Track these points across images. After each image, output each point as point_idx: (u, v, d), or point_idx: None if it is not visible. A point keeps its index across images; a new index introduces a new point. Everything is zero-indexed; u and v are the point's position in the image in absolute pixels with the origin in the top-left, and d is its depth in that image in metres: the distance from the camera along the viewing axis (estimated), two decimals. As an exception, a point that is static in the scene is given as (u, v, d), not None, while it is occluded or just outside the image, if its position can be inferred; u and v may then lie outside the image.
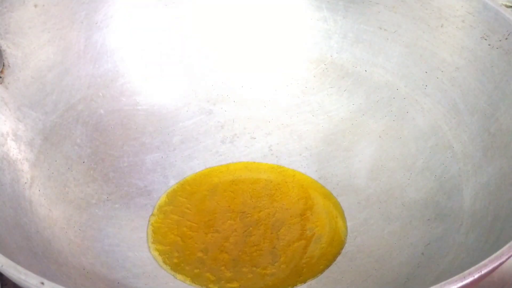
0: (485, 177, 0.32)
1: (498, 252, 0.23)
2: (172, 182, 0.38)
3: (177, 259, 0.34)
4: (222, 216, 0.36)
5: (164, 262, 0.34)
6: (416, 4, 0.38)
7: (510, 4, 0.43)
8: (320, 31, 0.42)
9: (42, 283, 0.22)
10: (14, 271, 0.23)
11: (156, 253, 0.34)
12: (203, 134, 0.41)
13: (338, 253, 0.34)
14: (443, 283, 0.22)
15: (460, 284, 0.22)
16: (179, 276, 0.33)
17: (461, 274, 0.22)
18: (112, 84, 0.39)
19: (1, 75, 0.33)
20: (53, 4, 0.36)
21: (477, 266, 0.23)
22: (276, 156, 0.40)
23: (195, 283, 0.33)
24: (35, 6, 0.35)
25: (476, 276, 0.22)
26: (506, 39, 0.34)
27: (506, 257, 0.23)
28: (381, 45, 0.40)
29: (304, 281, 0.33)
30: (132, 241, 0.34)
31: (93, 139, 0.37)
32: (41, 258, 0.29)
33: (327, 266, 0.33)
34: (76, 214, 0.34)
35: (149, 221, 0.36)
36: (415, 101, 0.39)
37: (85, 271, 0.31)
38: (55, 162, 0.35)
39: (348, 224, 0.35)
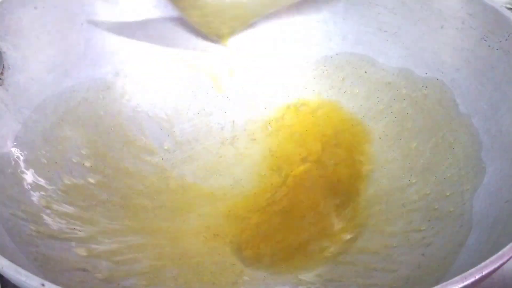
0: (486, 178, 0.32)
1: (499, 253, 0.23)
2: (172, 184, 0.38)
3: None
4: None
5: None
6: (415, 5, 0.39)
7: (511, 6, 0.43)
8: (320, 33, 0.42)
9: (43, 285, 0.22)
10: (14, 273, 0.23)
11: None
12: (203, 136, 0.41)
13: None
14: (444, 284, 0.22)
15: (461, 285, 0.22)
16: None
17: (462, 275, 0.22)
18: (112, 86, 0.39)
19: (1, 77, 0.33)
20: (53, 6, 0.36)
21: (478, 267, 0.23)
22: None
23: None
24: (35, 8, 0.35)
25: (477, 276, 0.22)
26: (506, 40, 0.34)
27: (507, 257, 0.23)
28: (381, 47, 0.40)
29: None
30: (132, 243, 0.34)
31: (93, 141, 0.37)
32: (42, 260, 0.29)
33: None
34: (76, 215, 0.34)
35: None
36: (415, 102, 0.39)
37: (85, 273, 0.31)
38: (55, 164, 0.35)
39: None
